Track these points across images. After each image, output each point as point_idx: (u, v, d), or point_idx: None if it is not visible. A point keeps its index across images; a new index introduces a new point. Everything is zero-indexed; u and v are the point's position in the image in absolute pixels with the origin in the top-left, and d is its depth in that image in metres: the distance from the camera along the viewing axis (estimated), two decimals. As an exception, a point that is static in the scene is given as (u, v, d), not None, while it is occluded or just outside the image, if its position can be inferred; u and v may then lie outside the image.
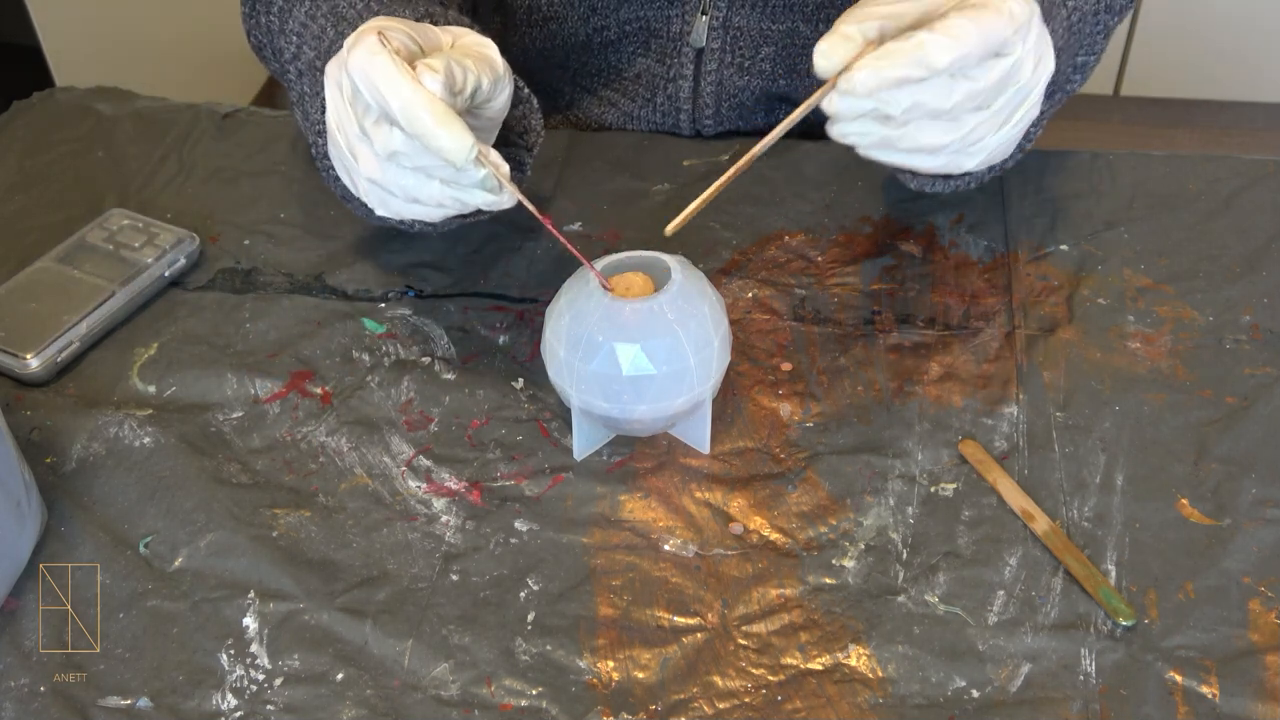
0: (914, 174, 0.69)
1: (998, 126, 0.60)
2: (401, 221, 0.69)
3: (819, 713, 0.56)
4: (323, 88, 0.68)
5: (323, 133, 0.68)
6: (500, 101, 0.64)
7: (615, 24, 0.86)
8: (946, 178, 0.69)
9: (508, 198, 0.61)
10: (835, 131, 0.59)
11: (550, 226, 0.61)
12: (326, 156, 0.69)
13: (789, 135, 0.90)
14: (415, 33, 0.60)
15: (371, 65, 0.57)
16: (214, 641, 0.59)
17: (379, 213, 0.63)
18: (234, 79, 2.18)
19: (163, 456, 0.67)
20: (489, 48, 0.62)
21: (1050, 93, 0.72)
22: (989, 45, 0.56)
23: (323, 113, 0.68)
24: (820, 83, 0.57)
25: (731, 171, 0.59)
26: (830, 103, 0.57)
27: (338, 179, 0.69)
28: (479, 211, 0.66)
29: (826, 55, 0.56)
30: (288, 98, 0.79)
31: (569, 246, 0.62)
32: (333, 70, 0.61)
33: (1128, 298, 0.75)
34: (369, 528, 0.64)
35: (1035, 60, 0.59)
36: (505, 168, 0.60)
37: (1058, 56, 0.68)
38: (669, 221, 0.60)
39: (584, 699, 0.57)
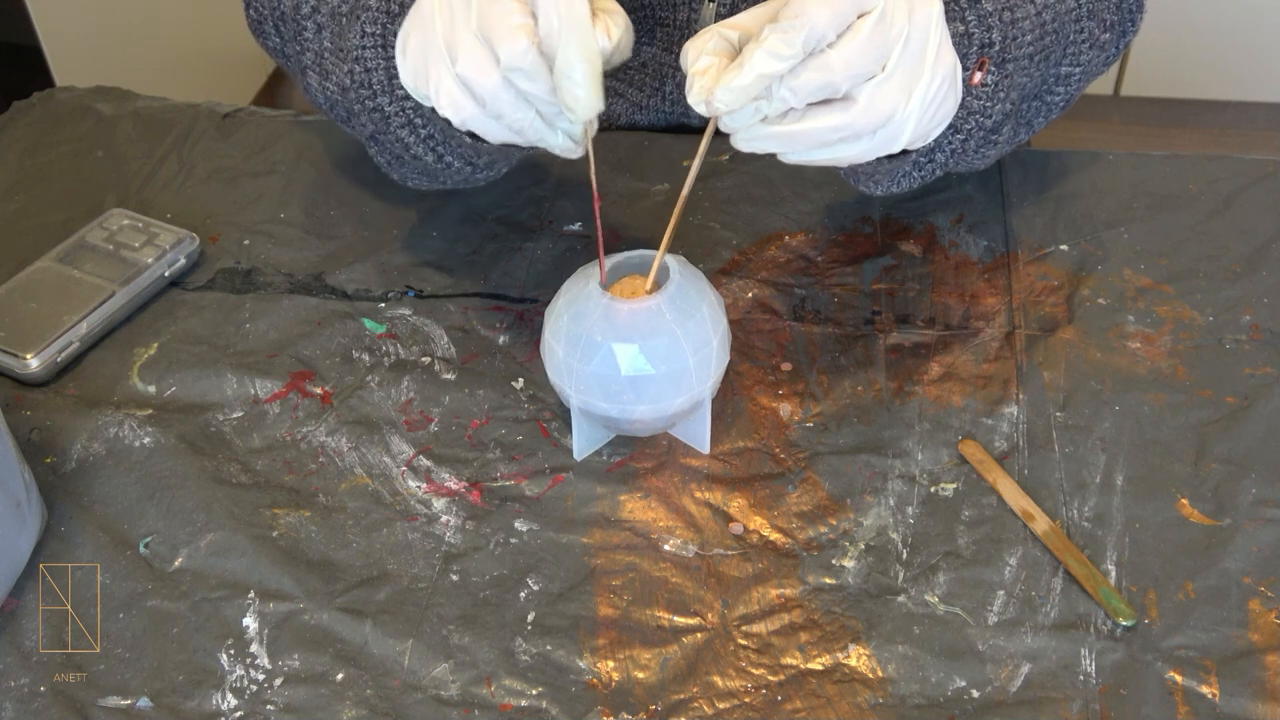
0: (867, 177, 0.68)
1: (906, 91, 0.58)
2: (438, 147, 0.67)
3: (819, 713, 0.56)
4: (357, 20, 0.66)
5: (361, 59, 0.66)
6: None
7: None
8: (904, 174, 0.67)
9: (579, 150, 0.61)
10: (739, 143, 0.58)
11: (595, 209, 0.61)
12: (365, 84, 0.67)
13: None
14: None
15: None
16: (214, 641, 0.59)
17: (445, 112, 0.61)
18: (234, 79, 2.18)
19: (163, 456, 0.67)
20: (626, 19, 0.60)
21: (1025, 99, 0.71)
22: (838, 10, 0.54)
23: (361, 39, 0.66)
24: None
25: (676, 213, 0.61)
26: (723, 125, 0.57)
27: (377, 108, 0.67)
28: (515, 151, 0.65)
29: (693, 95, 0.56)
30: (294, 68, 0.77)
31: (596, 222, 0.61)
32: None
33: (1128, 298, 0.75)
34: (369, 528, 0.64)
35: (907, 6, 0.57)
36: (595, 128, 0.61)
37: (1032, 59, 0.68)
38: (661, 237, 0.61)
39: (584, 699, 0.57)
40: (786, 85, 0.55)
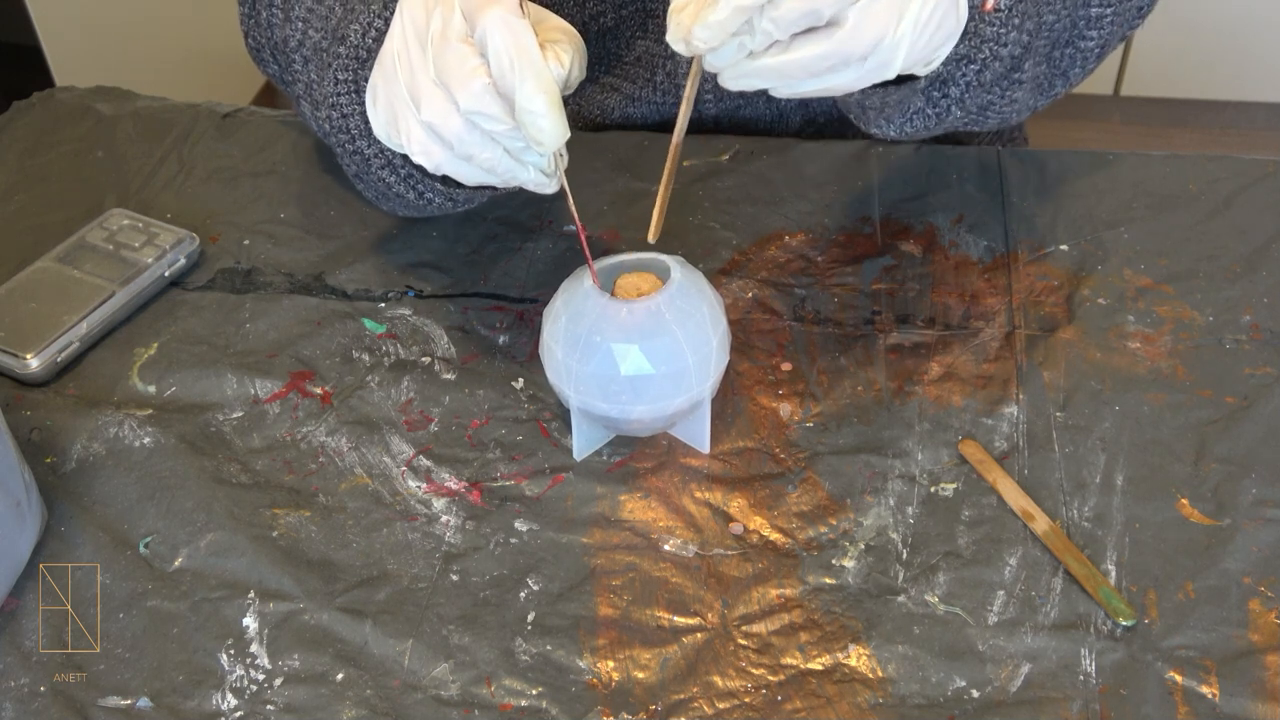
0: (876, 113, 0.66)
1: (896, 13, 0.55)
2: (418, 185, 0.67)
3: (819, 713, 0.56)
4: (329, 67, 0.67)
5: (337, 105, 0.67)
6: None
7: (611, 8, 0.86)
8: (916, 110, 0.65)
9: (553, 184, 0.61)
10: (726, 82, 0.57)
11: (580, 229, 0.61)
12: (343, 130, 0.68)
13: (788, 135, 0.91)
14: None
15: (514, 30, 0.56)
16: (214, 641, 0.59)
17: (418, 159, 0.61)
18: (234, 79, 2.18)
19: (163, 456, 0.67)
20: (577, 38, 0.61)
21: (1057, 46, 0.69)
22: None
23: (335, 86, 0.67)
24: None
25: (670, 160, 0.61)
26: (707, 65, 0.57)
27: (357, 151, 0.68)
28: (492, 190, 0.66)
29: (671, 34, 0.55)
30: (291, 94, 0.78)
31: (585, 250, 0.62)
32: (414, 9, 0.60)
33: (1128, 298, 0.75)
34: (369, 528, 0.64)
35: None
36: (566, 160, 0.61)
37: None
38: (649, 225, 0.62)
39: (584, 699, 0.57)
40: (767, 17, 0.54)
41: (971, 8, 0.62)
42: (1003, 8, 0.62)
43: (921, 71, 0.60)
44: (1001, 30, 0.63)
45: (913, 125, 0.66)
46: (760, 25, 0.54)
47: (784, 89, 0.58)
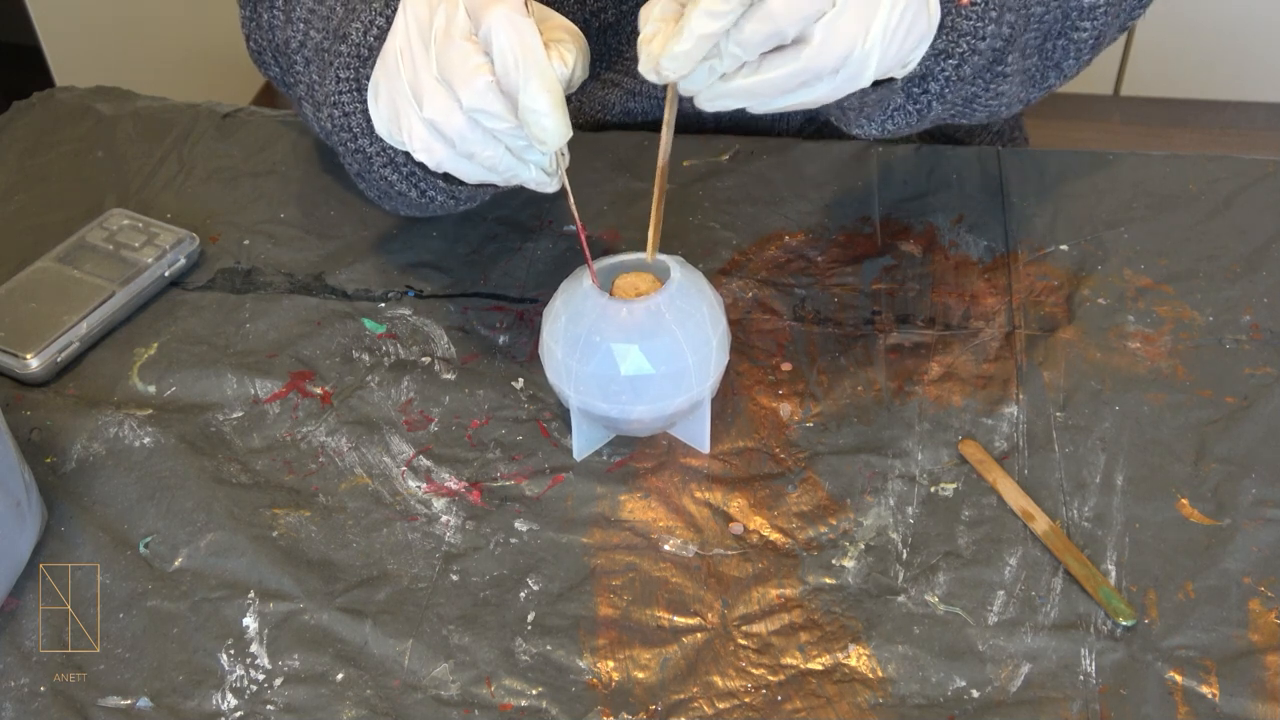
0: (856, 114, 0.66)
1: (863, 24, 0.55)
2: (420, 183, 0.67)
3: (819, 713, 0.56)
4: (331, 66, 0.67)
5: (338, 103, 0.67)
6: None
7: (613, 4, 0.86)
8: (896, 108, 0.65)
9: (554, 183, 0.61)
10: (701, 104, 0.58)
11: (580, 229, 0.62)
12: (345, 128, 0.68)
13: (788, 134, 0.91)
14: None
15: (519, 29, 0.56)
16: (214, 641, 0.59)
17: (419, 157, 0.61)
18: (234, 79, 2.18)
19: (163, 456, 0.67)
20: (580, 38, 0.61)
21: (1049, 38, 0.69)
22: None
23: (336, 84, 0.67)
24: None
25: (659, 182, 0.62)
26: (681, 89, 0.57)
27: (359, 150, 0.68)
28: (494, 188, 0.66)
29: (642, 65, 0.56)
30: (292, 97, 0.78)
31: (584, 250, 0.62)
32: (418, 7, 0.60)
33: (1128, 298, 0.75)
34: (369, 528, 0.64)
35: None
36: (568, 159, 0.61)
37: None
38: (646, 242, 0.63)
39: (584, 699, 0.57)
40: (733, 40, 0.54)
41: (947, 1, 0.61)
42: (978, 1, 0.62)
43: (898, 74, 0.61)
44: (979, 24, 0.62)
45: (894, 123, 0.66)
46: (727, 49, 0.55)
47: (760, 106, 0.58)
